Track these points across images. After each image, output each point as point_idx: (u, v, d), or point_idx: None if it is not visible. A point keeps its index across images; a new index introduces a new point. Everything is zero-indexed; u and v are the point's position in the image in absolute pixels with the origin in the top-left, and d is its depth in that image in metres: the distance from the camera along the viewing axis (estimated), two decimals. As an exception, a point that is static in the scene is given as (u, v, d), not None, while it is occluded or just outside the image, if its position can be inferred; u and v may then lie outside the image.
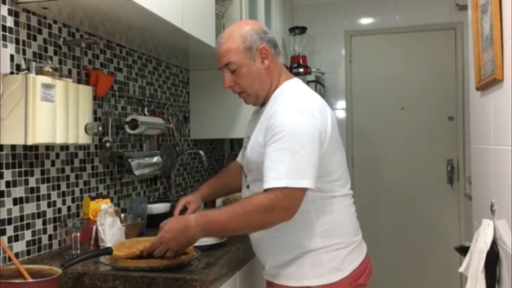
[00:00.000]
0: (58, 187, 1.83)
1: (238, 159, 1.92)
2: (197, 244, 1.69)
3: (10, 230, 1.59)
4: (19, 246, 1.63)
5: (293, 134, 1.45)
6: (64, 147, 1.87)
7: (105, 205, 1.79)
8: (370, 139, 3.97)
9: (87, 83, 1.96)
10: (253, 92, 1.64)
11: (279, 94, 1.62)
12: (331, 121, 1.57)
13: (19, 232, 1.63)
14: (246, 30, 1.60)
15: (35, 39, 1.71)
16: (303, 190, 1.45)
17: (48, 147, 1.78)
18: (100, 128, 1.84)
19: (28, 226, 1.67)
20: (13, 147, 1.61)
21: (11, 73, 1.55)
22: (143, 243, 1.60)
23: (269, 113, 1.56)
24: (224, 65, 1.63)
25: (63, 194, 1.86)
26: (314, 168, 1.46)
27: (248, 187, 1.67)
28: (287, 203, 1.43)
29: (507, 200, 1.44)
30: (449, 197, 3.84)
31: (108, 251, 1.61)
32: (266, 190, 1.44)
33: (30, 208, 1.68)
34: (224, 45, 1.61)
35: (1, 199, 1.56)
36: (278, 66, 1.66)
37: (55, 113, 1.59)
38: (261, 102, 1.68)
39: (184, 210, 1.81)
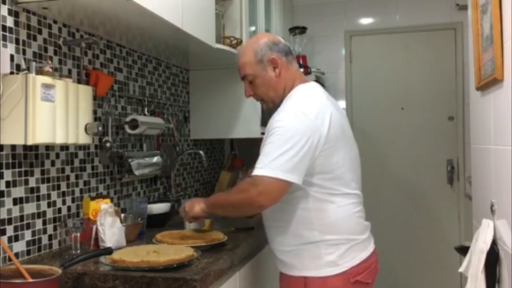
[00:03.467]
0: (58, 187, 1.83)
1: None
2: (197, 244, 1.75)
3: (10, 230, 1.59)
4: (19, 246, 1.63)
5: (282, 131, 1.60)
6: (64, 147, 1.86)
7: (105, 205, 1.79)
8: (370, 139, 3.96)
9: (87, 83, 1.96)
10: (269, 99, 1.81)
11: (288, 98, 1.76)
12: (330, 122, 1.66)
13: (19, 232, 1.63)
14: (257, 44, 1.79)
15: (35, 39, 1.71)
16: (283, 182, 1.56)
17: (48, 147, 1.78)
18: (100, 128, 1.84)
19: (28, 226, 1.67)
20: (13, 147, 1.61)
21: (11, 73, 1.56)
22: (145, 249, 1.62)
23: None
24: (242, 78, 1.82)
25: (63, 194, 1.86)
26: (298, 163, 1.58)
27: None
28: (262, 188, 1.56)
29: (507, 200, 1.44)
30: (449, 197, 3.84)
31: (108, 251, 1.61)
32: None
33: (30, 208, 1.68)
34: (240, 60, 1.81)
35: (1, 199, 1.56)
36: (291, 72, 1.80)
37: (55, 113, 1.59)
38: (278, 106, 1.81)
39: None
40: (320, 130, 1.62)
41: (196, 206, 1.77)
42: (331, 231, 1.67)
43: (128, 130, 2.25)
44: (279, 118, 1.64)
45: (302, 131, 1.60)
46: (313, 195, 1.65)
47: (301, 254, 1.69)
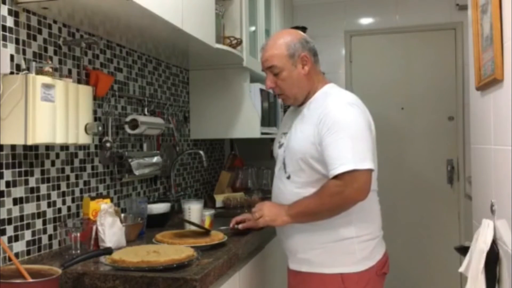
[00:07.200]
0: (58, 187, 1.83)
1: (273, 153, 1.99)
2: (197, 244, 1.74)
3: (10, 230, 1.59)
4: (19, 246, 1.63)
5: (348, 124, 1.65)
6: (64, 147, 1.86)
7: (105, 205, 1.79)
8: (370, 139, 3.96)
9: (87, 83, 1.96)
10: (291, 94, 1.81)
11: (323, 94, 1.80)
12: (370, 115, 1.78)
13: (19, 232, 1.63)
14: (290, 39, 1.79)
15: (35, 39, 1.71)
16: (368, 171, 1.62)
17: (48, 147, 1.78)
18: (100, 128, 1.84)
19: (28, 226, 1.67)
20: (13, 147, 1.61)
21: (11, 73, 1.55)
22: (145, 249, 1.62)
23: (318, 110, 1.72)
24: (267, 68, 1.80)
25: (63, 194, 1.86)
26: (371, 152, 1.66)
27: (289, 177, 1.79)
28: (357, 184, 1.60)
29: (507, 200, 1.44)
30: (449, 197, 3.84)
31: (108, 251, 1.61)
32: (335, 177, 1.61)
33: (30, 208, 1.68)
34: (269, 51, 1.79)
35: (1, 199, 1.56)
36: (317, 72, 1.86)
37: (55, 113, 1.59)
38: (299, 103, 1.84)
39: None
40: (369, 121, 1.74)
41: (279, 219, 1.74)
42: (366, 227, 1.73)
43: (128, 130, 2.25)
44: (338, 113, 1.67)
45: (364, 121, 1.69)
46: None
47: (334, 251, 1.71)
